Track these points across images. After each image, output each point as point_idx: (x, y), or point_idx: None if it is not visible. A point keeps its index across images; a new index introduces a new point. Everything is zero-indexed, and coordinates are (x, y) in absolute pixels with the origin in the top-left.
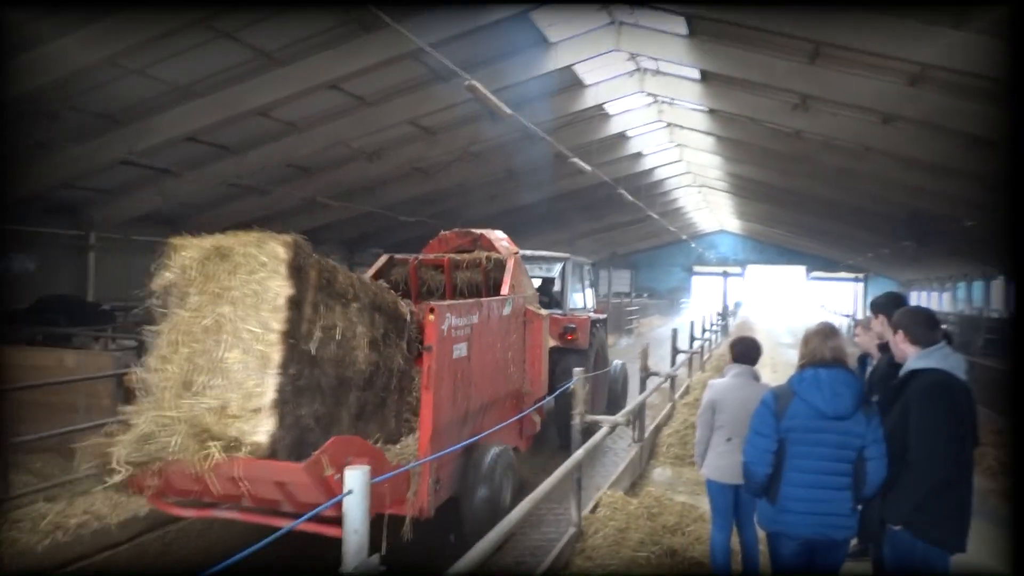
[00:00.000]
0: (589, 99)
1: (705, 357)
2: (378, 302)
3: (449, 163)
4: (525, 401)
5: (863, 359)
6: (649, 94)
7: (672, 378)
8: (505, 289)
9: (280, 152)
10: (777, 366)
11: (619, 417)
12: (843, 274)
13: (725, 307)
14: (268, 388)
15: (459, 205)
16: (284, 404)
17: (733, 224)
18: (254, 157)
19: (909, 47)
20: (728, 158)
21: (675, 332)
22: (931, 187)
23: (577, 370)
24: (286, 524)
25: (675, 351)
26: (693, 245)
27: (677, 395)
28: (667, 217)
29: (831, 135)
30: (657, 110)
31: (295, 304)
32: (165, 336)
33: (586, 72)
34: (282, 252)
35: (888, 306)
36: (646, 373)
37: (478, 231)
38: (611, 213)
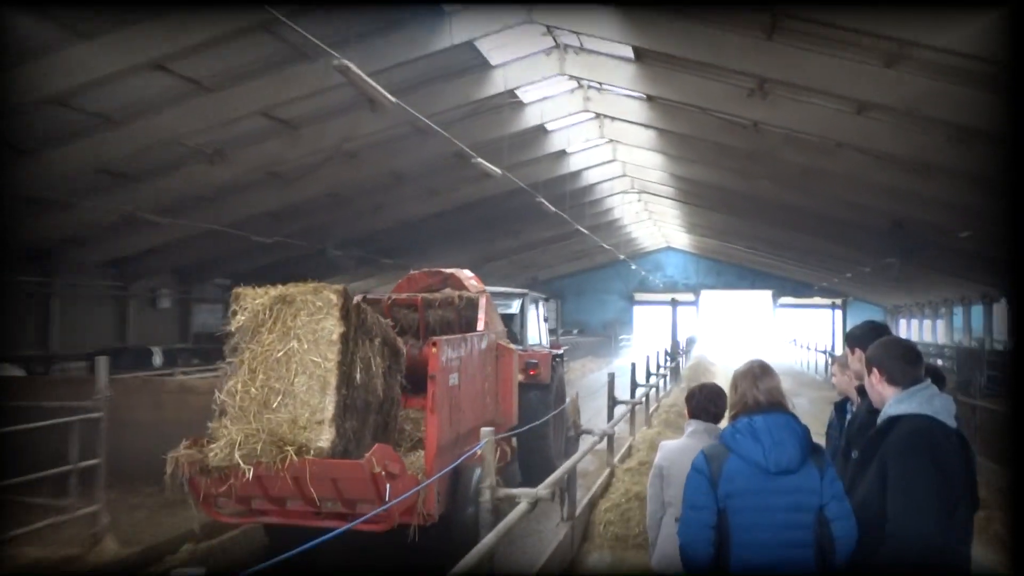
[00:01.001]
0: (497, 83)
1: (652, 409)
2: (387, 338)
3: (316, 166)
4: (498, 431)
5: (841, 405)
6: (572, 77)
7: (609, 437)
8: (481, 325)
9: (87, 153)
10: None
11: (541, 490)
12: (817, 300)
13: (675, 344)
14: (328, 405)
15: (331, 220)
16: (339, 418)
17: (681, 240)
18: (51, 159)
19: (887, 21)
20: (673, 156)
21: (612, 378)
22: (916, 190)
23: (485, 430)
24: (325, 525)
25: (613, 402)
26: (634, 267)
27: (616, 458)
28: (600, 232)
29: (795, 127)
30: (583, 97)
31: (345, 339)
32: (246, 365)
33: (492, 50)
34: (334, 298)
35: (865, 338)
36: (576, 432)
37: (447, 270)
38: (529, 228)
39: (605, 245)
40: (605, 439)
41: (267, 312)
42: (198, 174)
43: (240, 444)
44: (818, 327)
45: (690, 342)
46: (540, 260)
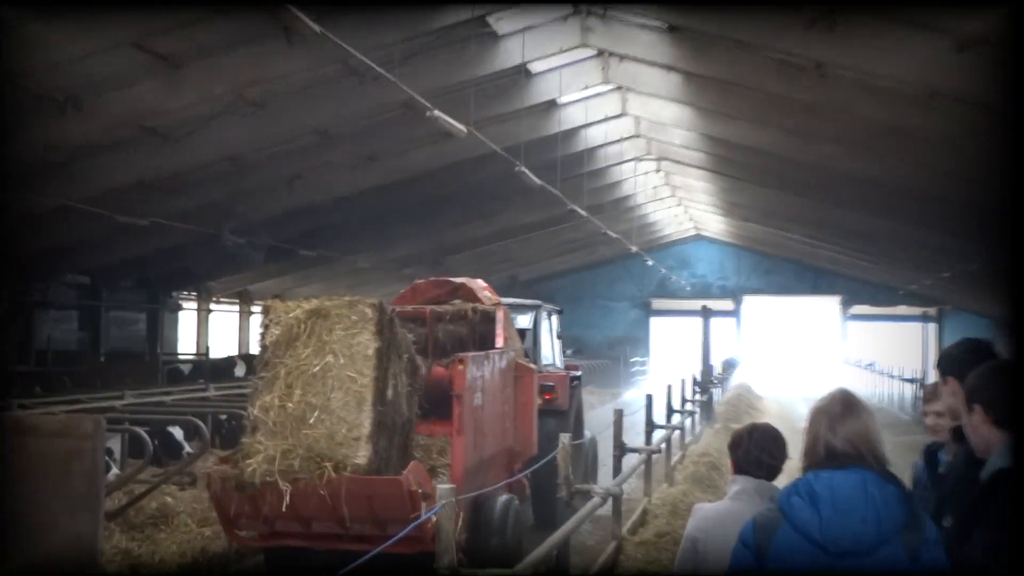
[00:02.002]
0: (461, 7)
1: (674, 459)
2: (411, 355)
3: (209, 119)
4: (516, 460)
5: (932, 451)
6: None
7: (615, 498)
8: (500, 342)
9: None
10: None
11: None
12: (902, 310)
13: (708, 369)
14: (365, 421)
15: (229, 196)
16: (375, 435)
17: (716, 226)
18: None
19: None
20: (705, 110)
21: (619, 417)
22: None
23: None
24: (351, 549)
25: (621, 450)
26: (651, 263)
27: (625, 528)
28: (604, 215)
29: (874, 70)
30: (580, 27)
31: (380, 355)
32: (282, 380)
33: None
34: (370, 312)
35: (963, 363)
36: (568, 492)
37: (457, 280)
38: (506, 208)
39: (611, 233)
40: (609, 501)
41: (301, 326)
42: (43, 128)
43: (276, 460)
44: (904, 346)
45: (729, 366)
46: (521, 254)
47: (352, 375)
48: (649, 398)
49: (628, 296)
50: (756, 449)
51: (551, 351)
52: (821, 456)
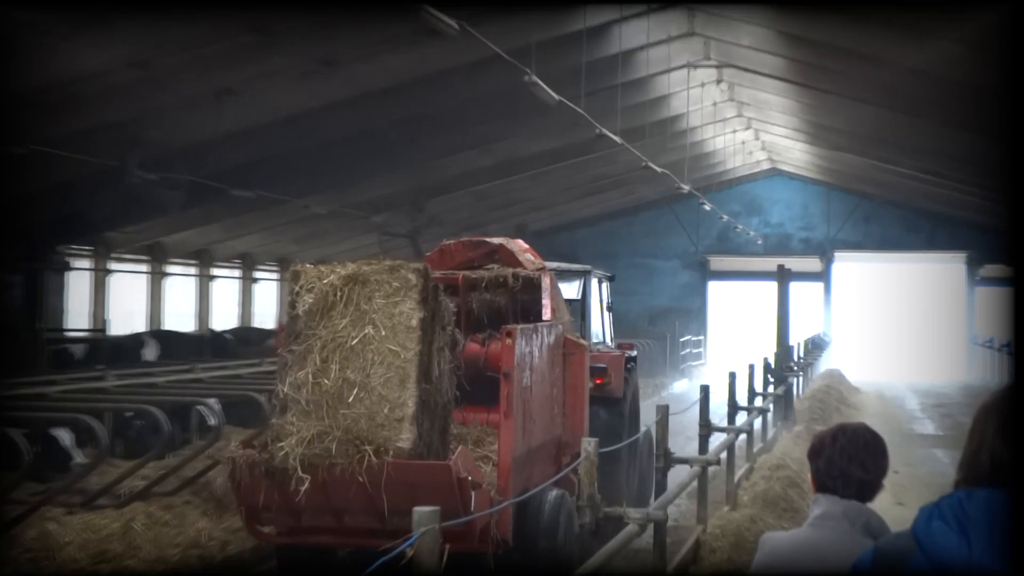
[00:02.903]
0: None
1: (739, 473)
2: (453, 330)
3: (107, 10)
4: (564, 453)
5: None
6: None
7: (659, 524)
8: (547, 314)
9: None
10: (921, 497)
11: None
12: None
13: (786, 351)
14: (408, 400)
15: (135, 116)
16: (419, 416)
17: (799, 158)
18: None
19: None
20: None
21: (665, 416)
22: None
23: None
24: (381, 546)
25: (666, 460)
26: (708, 208)
27: (674, 564)
28: (645, 142)
29: None
30: None
31: (424, 326)
32: (316, 354)
33: None
34: (413, 279)
35: None
36: (594, 519)
37: (494, 240)
38: (510, 134)
39: (654, 167)
40: (650, 529)
41: (337, 293)
42: None
43: (311, 442)
44: None
45: (815, 347)
46: (530, 196)
47: (394, 348)
48: (705, 391)
49: (677, 252)
50: (844, 459)
51: (601, 326)
52: (984, 468)
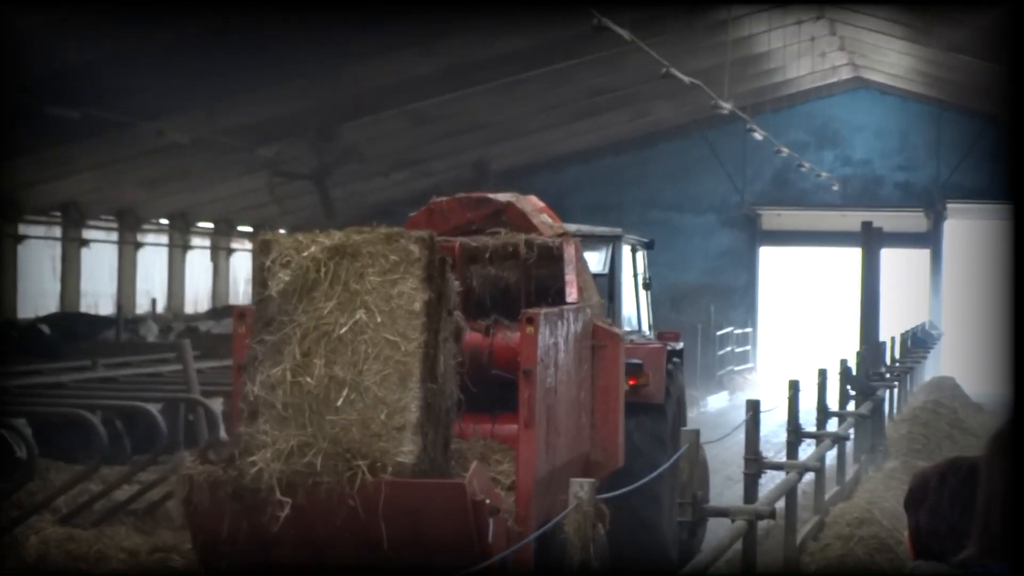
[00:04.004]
0: None
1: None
2: (457, 316)
3: None
4: (592, 475)
5: None
6: None
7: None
8: (572, 293)
9: None
10: None
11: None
12: None
13: (875, 350)
14: (411, 404)
15: None
16: (423, 424)
17: (896, 60)
18: None
19: None
20: None
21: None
22: None
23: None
24: None
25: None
26: (760, 137)
27: None
28: (664, 40)
29: None
30: None
31: (429, 311)
32: (296, 346)
33: None
34: (415, 250)
35: None
36: (695, 513)
37: (501, 197)
38: (464, 28)
39: (680, 75)
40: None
41: (320, 270)
42: None
43: (290, 456)
44: None
45: (918, 344)
46: (494, 118)
47: (393, 339)
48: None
49: (713, 203)
50: (956, 510)
51: (636, 309)
52: (995, 533)
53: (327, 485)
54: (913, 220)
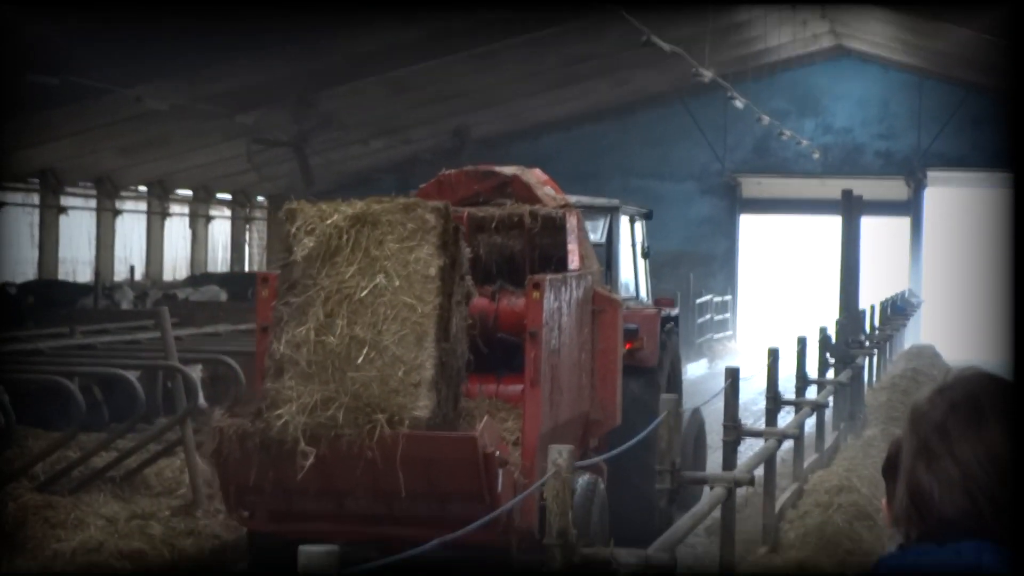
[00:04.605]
0: None
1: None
2: (468, 280)
3: None
4: (592, 432)
5: None
6: None
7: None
8: (574, 261)
9: None
10: None
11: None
12: None
13: (854, 319)
14: (426, 362)
15: None
16: (438, 381)
17: (878, 28)
18: None
19: None
20: None
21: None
22: None
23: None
24: (395, 535)
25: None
26: (741, 105)
27: None
28: (646, 9)
29: None
30: None
31: (444, 275)
32: (319, 307)
33: None
34: (431, 219)
35: None
36: (674, 482)
37: (506, 170)
38: None
39: (660, 43)
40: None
41: (343, 237)
42: None
43: (314, 410)
44: None
45: (897, 312)
46: (474, 85)
47: (410, 301)
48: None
49: (693, 171)
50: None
51: (634, 276)
52: (948, 508)
53: (348, 437)
54: (894, 188)
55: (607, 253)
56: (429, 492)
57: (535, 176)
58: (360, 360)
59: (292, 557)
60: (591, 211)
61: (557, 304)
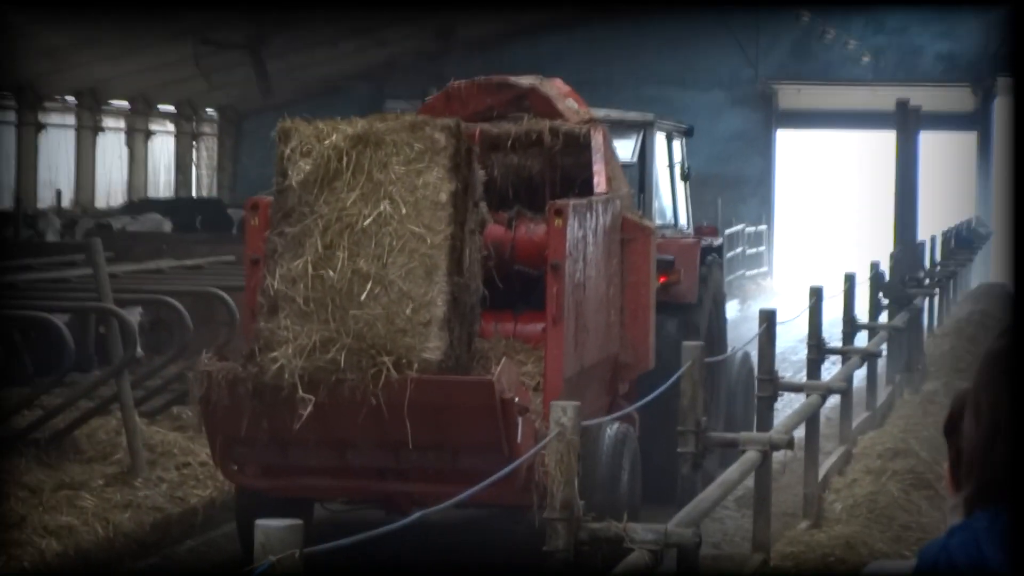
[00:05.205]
0: None
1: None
2: (483, 207)
3: None
4: (623, 376)
5: None
6: None
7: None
8: (601, 184)
9: None
10: None
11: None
12: None
13: (911, 251)
14: (437, 299)
15: None
16: (450, 319)
17: None
18: None
19: None
20: None
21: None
22: None
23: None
24: (401, 491)
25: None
26: None
27: None
28: None
29: None
30: None
31: (456, 202)
32: (317, 238)
33: None
34: (441, 139)
35: None
36: (700, 445)
37: (524, 81)
38: None
39: None
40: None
41: (342, 159)
42: None
43: (312, 352)
44: None
45: (963, 244)
46: None
47: (418, 231)
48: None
49: (721, 79)
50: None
51: (672, 201)
52: (1001, 472)
53: (350, 382)
54: (958, 98)
55: (640, 174)
56: (440, 443)
57: (555, 87)
58: (363, 297)
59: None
60: (621, 127)
61: (582, 232)
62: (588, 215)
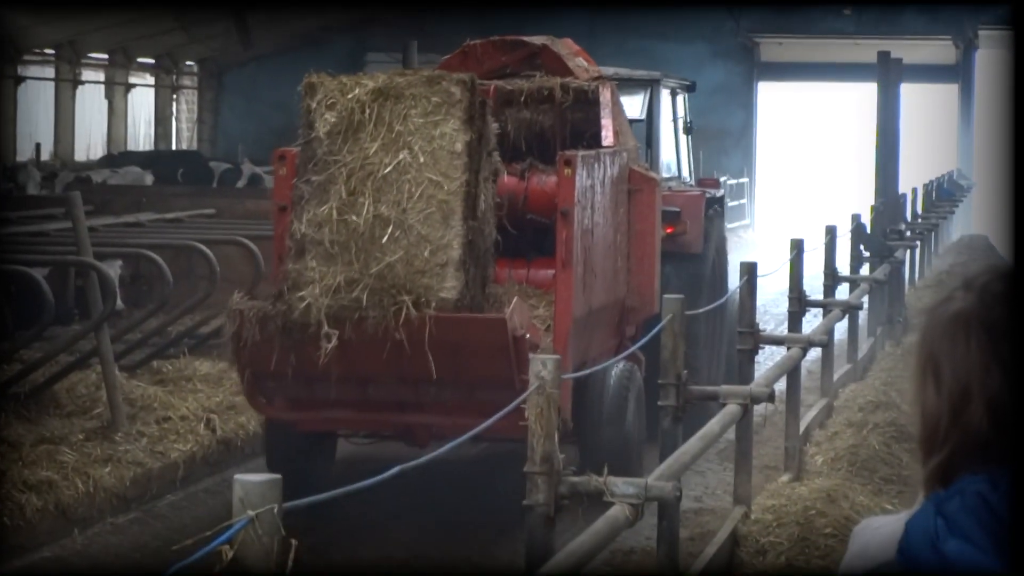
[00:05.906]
0: None
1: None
2: (496, 157)
3: None
4: (629, 320)
5: None
6: None
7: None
8: (609, 137)
9: None
10: None
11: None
12: None
13: (894, 203)
14: (453, 242)
15: None
16: (466, 261)
17: None
18: None
19: None
20: None
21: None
22: None
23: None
24: (419, 422)
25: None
26: None
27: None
28: None
29: None
30: None
31: (471, 151)
32: (342, 185)
33: None
34: (457, 92)
35: None
36: (680, 399)
37: (536, 40)
38: None
39: None
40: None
41: (365, 111)
42: None
43: (337, 291)
44: None
45: (945, 196)
46: None
47: (435, 178)
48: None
49: (703, 31)
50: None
51: (676, 155)
52: (980, 433)
53: (373, 319)
54: (940, 50)
55: (647, 130)
56: (456, 378)
57: (566, 46)
58: (385, 240)
59: (307, 451)
60: (629, 84)
61: (590, 182)
62: (596, 166)
